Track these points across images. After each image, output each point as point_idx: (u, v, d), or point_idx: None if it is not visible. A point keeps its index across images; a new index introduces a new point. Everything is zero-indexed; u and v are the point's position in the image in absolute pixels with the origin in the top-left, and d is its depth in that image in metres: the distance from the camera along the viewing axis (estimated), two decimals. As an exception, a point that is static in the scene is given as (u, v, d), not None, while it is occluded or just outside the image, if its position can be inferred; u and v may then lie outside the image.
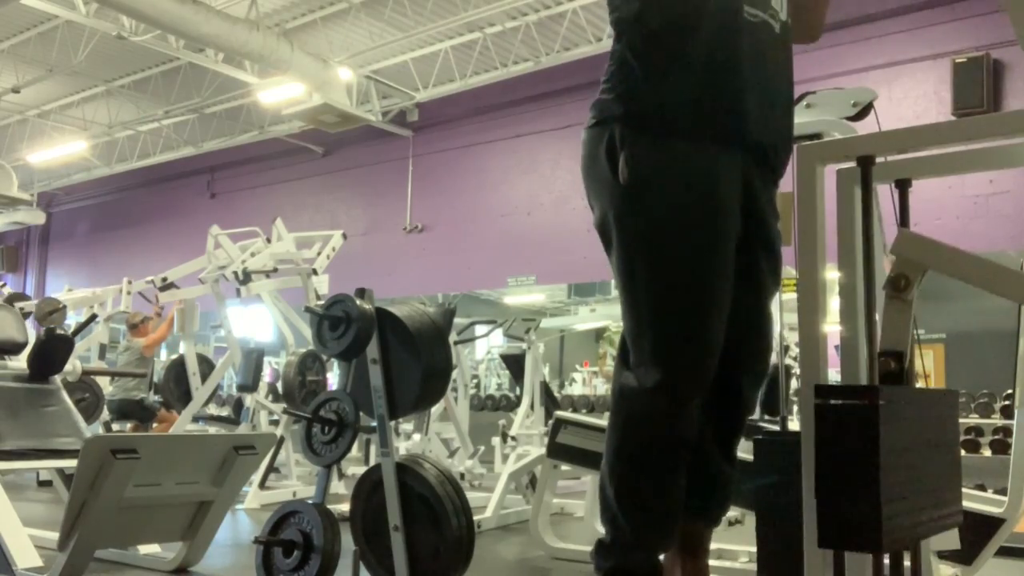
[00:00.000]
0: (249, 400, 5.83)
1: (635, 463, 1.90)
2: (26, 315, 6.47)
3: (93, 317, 5.92)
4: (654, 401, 1.84)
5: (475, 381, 11.43)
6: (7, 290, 7.95)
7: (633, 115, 1.88)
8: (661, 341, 1.85)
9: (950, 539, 2.18)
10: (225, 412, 7.60)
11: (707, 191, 1.86)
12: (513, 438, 5.61)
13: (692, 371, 1.84)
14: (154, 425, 7.28)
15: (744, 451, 2.18)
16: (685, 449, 1.90)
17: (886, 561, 1.28)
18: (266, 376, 6.63)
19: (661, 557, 1.98)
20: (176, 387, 6.52)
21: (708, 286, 1.85)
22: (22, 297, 7.38)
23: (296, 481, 5.94)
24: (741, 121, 1.88)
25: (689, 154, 1.86)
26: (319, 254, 6.09)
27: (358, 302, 2.60)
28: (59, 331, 3.63)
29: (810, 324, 1.42)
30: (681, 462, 1.90)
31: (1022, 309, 2.55)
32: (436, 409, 5.97)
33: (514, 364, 6.55)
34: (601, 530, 1.99)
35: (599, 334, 14.16)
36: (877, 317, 1.38)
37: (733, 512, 4.05)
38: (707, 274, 1.85)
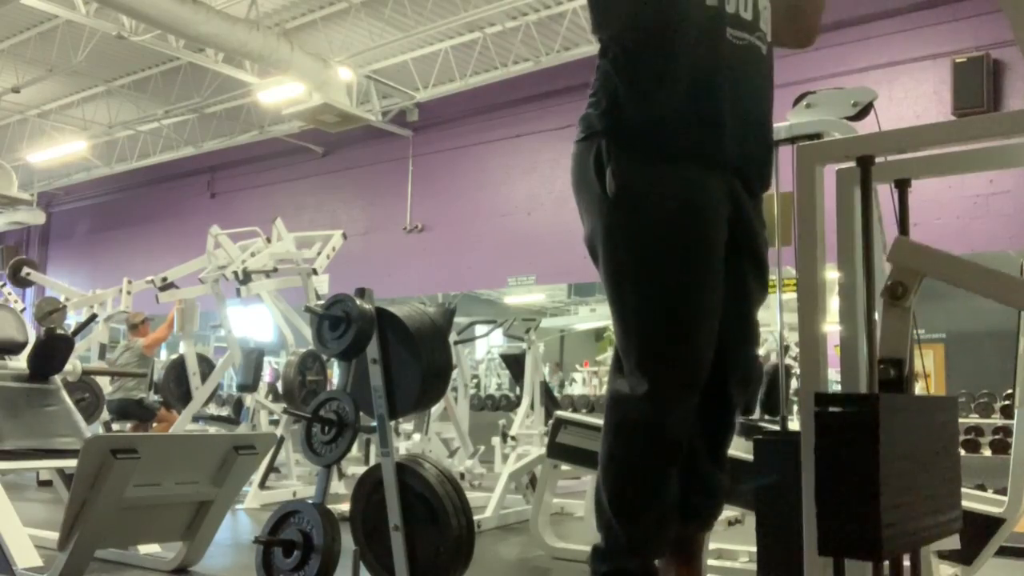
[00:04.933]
0: (249, 400, 5.82)
1: (628, 469, 1.91)
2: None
3: (93, 317, 5.91)
4: (645, 408, 1.86)
5: (475, 381, 11.44)
6: (7, 290, 7.96)
7: (617, 131, 1.90)
8: (649, 351, 1.87)
9: (950, 539, 2.18)
10: (225, 412, 7.59)
11: (693, 203, 1.87)
12: (513, 438, 5.61)
13: (680, 380, 1.86)
14: (154, 425, 7.28)
15: (744, 451, 2.18)
16: (678, 453, 1.91)
17: (886, 564, 1.28)
18: (266, 376, 6.64)
19: (656, 561, 1.99)
20: (176, 387, 6.52)
21: (695, 297, 1.87)
22: (31, 263, 7.41)
23: (296, 481, 5.94)
24: (721, 140, 1.90)
25: (674, 168, 1.88)
26: (319, 254, 6.09)
27: (358, 302, 2.60)
28: (59, 331, 3.62)
29: (810, 324, 1.42)
30: (673, 467, 1.91)
31: (1022, 310, 2.55)
32: (436, 409, 5.96)
33: (514, 364, 6.55)
34: (598, 534, 1.99)
35: (599, 334, 14.17)
36: (877, 317, 1.38)
37: (733, 512, 4.05)
38: (694, 285, 1.87)
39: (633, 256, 1.89)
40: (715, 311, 1.89)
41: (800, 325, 1.44)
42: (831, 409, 1.23)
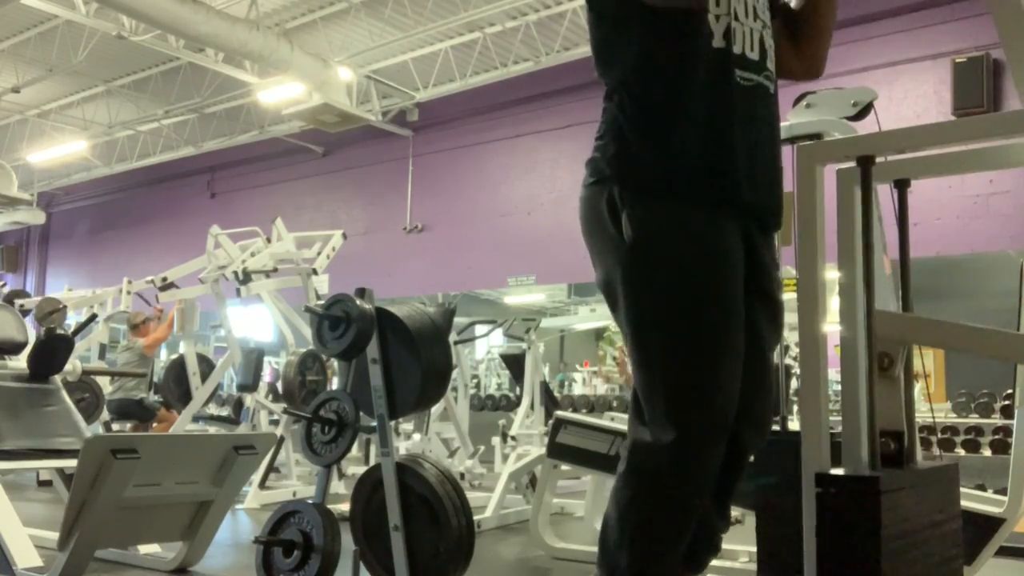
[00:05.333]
0: (249, 400, 5.82)
1: (650, 520, 1.85)
2: (26, 312, 6.47)
3: (93, 317, 5.91)
4: (671, 456, 1.81)
5: (475, 381, 11.43)
6: (7, 290, 7.96)
7: (628, 176, 1.88)
8: (676, 398, 1.81)
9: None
10: (225, 412, 7.59)
11: (713, 245, 1.84)
12: (513, 438, 5.61)
13: (709, 426, 1.81)
14: (154, 425, 7.28)
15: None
16: (701, 504, 1.87)
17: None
18: (266, 376, 6.63)
19: None
20: (176, 387, 6.52)
21: (721, 340, 1.83)
22: (22, 294, 7.39)
23: (296, 481, 5.94)
24: (734, 187, 1.88)
25: (688, 212, 1.85)
26: (319, 254, 6.09)
27: (358, 302, 2.60)
28: (59, 331, 3.62)
29: (810, 324, 1.42)
30: (695, 518, 1.88)
31: (1022, 310, 2.55)
32: (436, 409, 5.96)
33: (514, 364, 6.55)
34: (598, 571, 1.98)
35: (599, 334, 14.17)
36: (878, 311, 1.38)
37: (733, 512, 4.05)
38: (719, 328, 1.83)
39: (655, 301, 1.85)
40: (740, 353, 1.85)
41: (800, 325, 1.44)
42: (832, 490, 1.22)
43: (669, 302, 1.84)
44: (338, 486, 4.91)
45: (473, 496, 3.54)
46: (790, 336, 5.47)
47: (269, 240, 6.16)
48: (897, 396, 1.34)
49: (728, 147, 1.86)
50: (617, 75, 1.94)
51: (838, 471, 1.30)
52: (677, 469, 1.82)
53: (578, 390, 12.24)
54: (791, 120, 2.77)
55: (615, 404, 9.23)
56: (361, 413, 2.68)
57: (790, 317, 1.83)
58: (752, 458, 1.99)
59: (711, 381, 1.81)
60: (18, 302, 7.65)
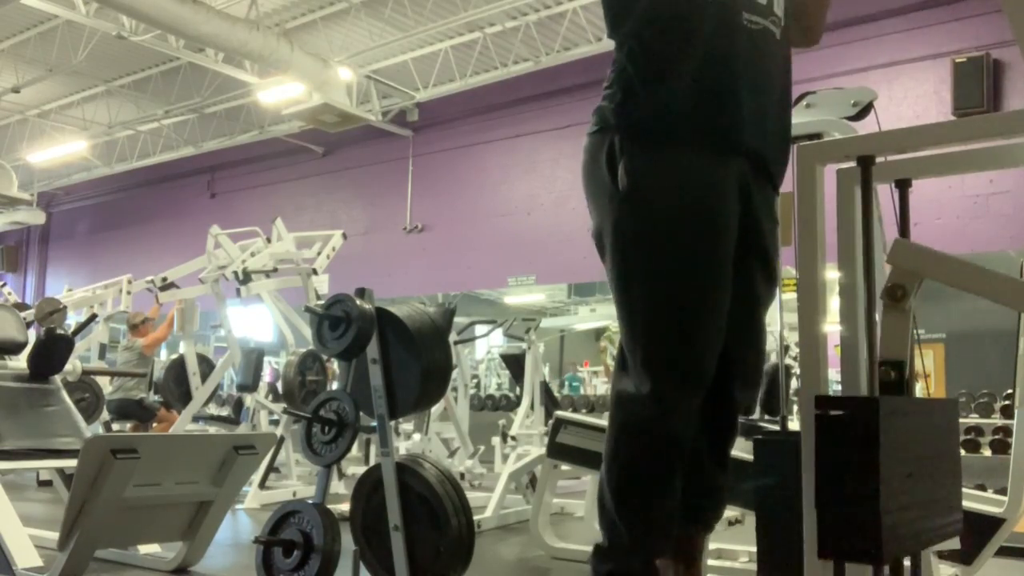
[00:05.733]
0: (249, 400, 5.82)
1: (632, 468, 1.90)
2: (28, 324, 6.46)
3: (93, 317, 5.92)
4: (649, 407, 1.85)
5: (475, 381, 11.42)
6: (7, 290, 7.96)
7: (631, 124, 1.89)
8: (655, 349, 1.86)
9: (950, 540, 2.18)
10: (225, 412, 7.59)
11: (703, 201, 1.86)
12: (513, 438, 5.61)
13: (685, 380, 1.85)
14: (154, 425, 7.28)
15: (744, 451, 2.18)
16: (681, 453, 1.90)
17: (886, 568, 1.28)
18: (266, 376, 6.63)
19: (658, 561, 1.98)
20: (176, 387, 6.52)
21: (703, 297, 1.85)
22: (23, 307, 7.39)
23: (296, 481, 5.94)
24: (737, 130, 1.88)
25: (686, 163, 1.86)
26: (319, 254, 6.09)
27: (358, 302, 2.60)
28: (59, 331, 3.63)
29: (810, 324, 1.42)
30: (677, 467, 1.90)
31: (1021, 312, 2.55)
32: (436, 409, 5.96)
33: (514, 364, 6.55)
34: (600, 533, 1.99)
35: (599, 334, 14.16)
36: (877, 317, 1.38)
37: (733, 512, 4.04)
38: (702, 283, 1.85)
39: (641, 253, 1.87)
40: (722, 311, 1.88)
41: (800, 325, 1.44)
42: (832, 412, 1.23)
43: (655, 255, 1.86)
44: (338, 486, 4.91)
45: (473, 496, 3.54)
46: (790, 336, 5.47)
47: (269, 240, 6.16)
48: (904, 329, 1.35)
49: (731, 90, 1.87)
50: (628, 27, 1.94)
51: (837, 394, 1.31)
52: (655, 419, 1.85)
53: (581, 390, 12.22)
54: (791, 120, 2.77)
55: (615, 404, 9.21)
56: (361, 413, 2.68)
57: (790, 317, 1.83)
58: (752, 458, 2.00)
59: (690, 336, 1.84)
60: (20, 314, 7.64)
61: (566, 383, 12.63)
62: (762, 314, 2.05)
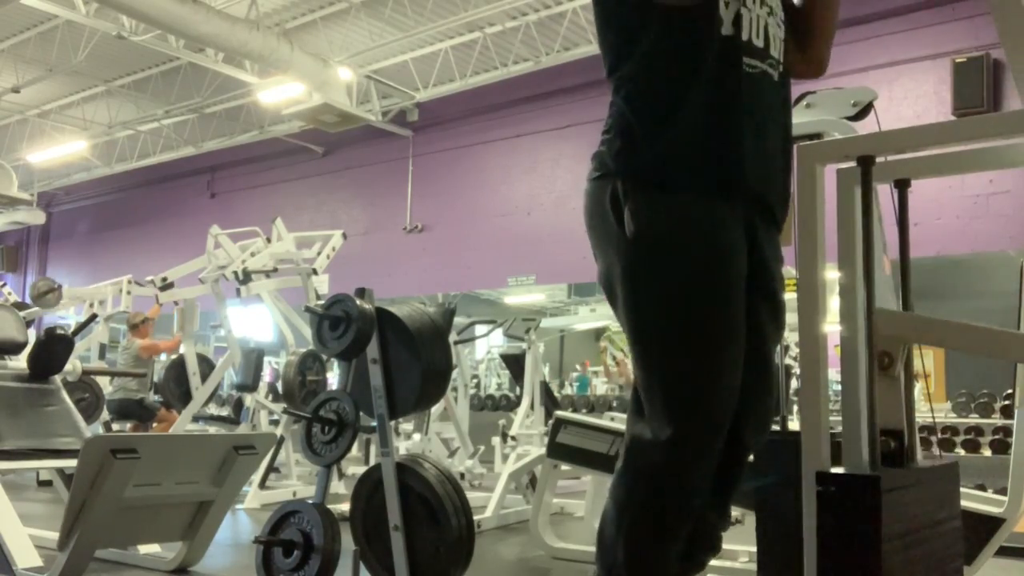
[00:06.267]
0: (249, 400, 5.82)
1: (647, 515, 1.85)
2: (28, 324, 6.46)
3: (93, 317, 5.91)
4: (669, 454, 1.81)
5: (475, 381, 11.43)
6: (7, 290, 7.96)
7: (633, 170, 1.87)
8: (674, 395, 1.81)
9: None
10: (225, 412, 7.59)
11: (715, 241, 1.83)
12: (513, 438, 5.61)
13: (707, 425, 1.80)
14: (154, 425, 7.28)
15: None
16: (697, 502, 1.87)
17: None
18: (266, 376, 6.63)
19: None
20: (176, 387, 6.52)
21: (722, 337, 1.82)
22: (23, 307, 7.40)
23: (296, 481, 5.94)
24: (740, 175, 1.87)
25: (692, 206, 1.84)
26: (319, 254, 6.09)
27: (358, 302, 2.60)
28: (59, 331, 3.63)
29: (810, 324, 1.41)
30: (691, 516, 1.87)
31: (1022, 310, 2.55)
32: (436, 409, 5.96)
33: (514, 364, 6.55)
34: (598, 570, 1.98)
35: (599, 334, 14.17)
36: (877, 318, 1.38)
37: (733, 512, 4.05)
38: (720, 325, 1.82)
39: (656, 298, 1.84)
40: (741, 352, 1.84)
41: (800, 325, 1.44)
42: (833, 489, 1.22)
43: (668, 299, 1.83)
44: (338, 486, 4.91)
45: (473, 496, 3.54)
46: (790, 336, 5.47)
47: (269, 240, 6.16)
48: (897, 395, 1.34)
49: (733, 134, 1.85)
50: (626, 71, 1.93)
51: (839, 470, 1.30)
52: (674, 466, 1.81)
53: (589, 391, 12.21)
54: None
55: (615, 404, 9.23)
56: (361, 413, 2.68)
57: (790, 317, 1.83)
58: (752, 458, 1.99)
59: (710, 379, 1.81)
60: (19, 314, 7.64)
61: (575, 384, 12.63)
62: (772, 354, 2.02)
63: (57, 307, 6.56)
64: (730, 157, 1.85)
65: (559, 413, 3.83)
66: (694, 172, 1.85)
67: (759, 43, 1.91)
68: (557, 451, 3.54)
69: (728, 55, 1.86)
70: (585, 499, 4.37)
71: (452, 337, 5.49)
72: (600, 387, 12.07)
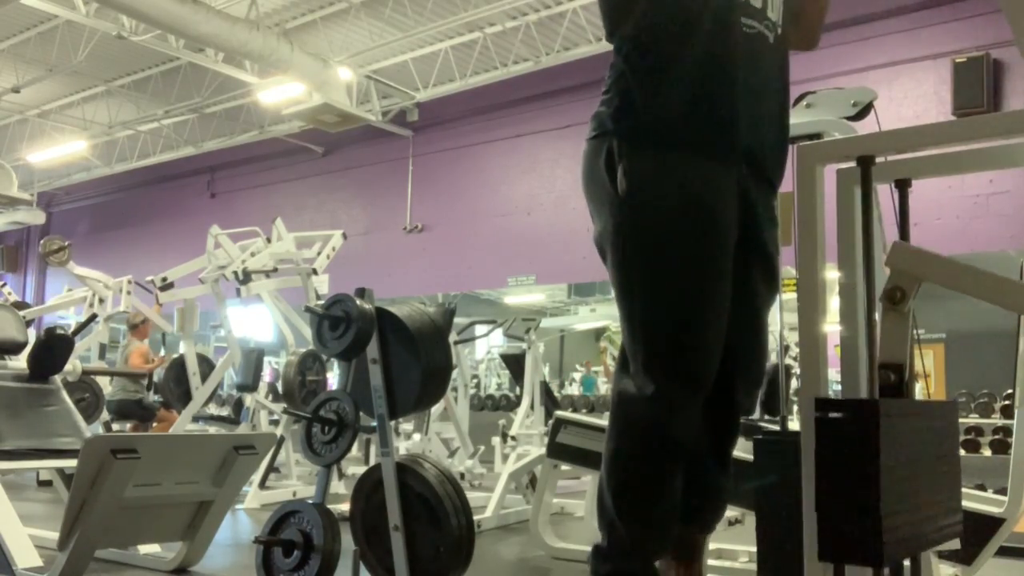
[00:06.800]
0: (249, 400, 5.82)
1: (632, 468, 1.91)
2: (28, 323, 6.47)
3: (93, 317, 5.92)
4: (651, 408, 1.85)
5: (475, 381, 11.44)
6: (7, 290, 7.96)
7: (629, 129, 1.89)
8: (657, 351, 1.86)
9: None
10: (225, 412, 7.60)
11: (703, 202, 1.86)
12: (513, 438, 5.61)
13: (687, 382, 1.85)
14: (154, 425, 7.28)
15: (744, 451, 2.18)
16: (682, 454, 1.90)
17: (886, 570, 1.28)
18: (266, 376, 6.63)
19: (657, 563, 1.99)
20: (176, 387, 6.52)
21: (704, 299, 1.86)
22: (23, 306, 7.40)
23: (296, 481, 5.93)
24: (735, 133, 1.89)
25: (685, 166, 1.87)
26: (319, 254, 6.09)
27: (358, 302, 2.60)
28: (59, 331, 3.63)
29: (810, 324, 1.41)
30: (678, 468, 1.90)
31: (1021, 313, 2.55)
32: (436, 409, 5.96)
33: (514, 364, 6.55)
34: (599, 533, 1.99)
35: (599, 334, 14.18)
36: (877, 317, 1.38)
37: (733, 512, 4.05)
38: (703, 285, 1.86)
39: (642, 256, 1.88)
40: (723, 313, 1.88)
41: (800, 325, 1.44)
42: (831, 415, 1.23)
43: (655, 258, 1.87)
44: (338, 486, 4.91)
45: (473, 496, 3.54)
46: (790, 336, 5.47)
47: (269, 240, 6.16)
48: (904, 331, 1.35)
49: (729, 92, 1.88)
50: (626, 30, 1.95)
51: (837, 397, 1.31)
52: (657, 420, 1.86)
53: (577, 390, 12.23)
54: (791, 120, 2.77)
55: (615, 404, 9.21)
56: (361, 413, 2.68)
57: (790, 317, 1.84)
58: (752, 458, 2.00)
59: (691, 337, 1.85)
60: (20, 313, 7.64)
61: (581, 384, 12.63)
62: (764, 315, 2.05)
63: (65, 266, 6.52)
64: (724, 117, 1.88)
65: (559, 413, 3.83)
66: (688, 131, 1.87)
67: (756, 3, 1.93)
68: (557, 451, 3.54)
69: (726, 15, 1.88)
70: (585, 499, 4.37)
71: (452, 337, 5.49)
72: (603, 387, 12.08)
